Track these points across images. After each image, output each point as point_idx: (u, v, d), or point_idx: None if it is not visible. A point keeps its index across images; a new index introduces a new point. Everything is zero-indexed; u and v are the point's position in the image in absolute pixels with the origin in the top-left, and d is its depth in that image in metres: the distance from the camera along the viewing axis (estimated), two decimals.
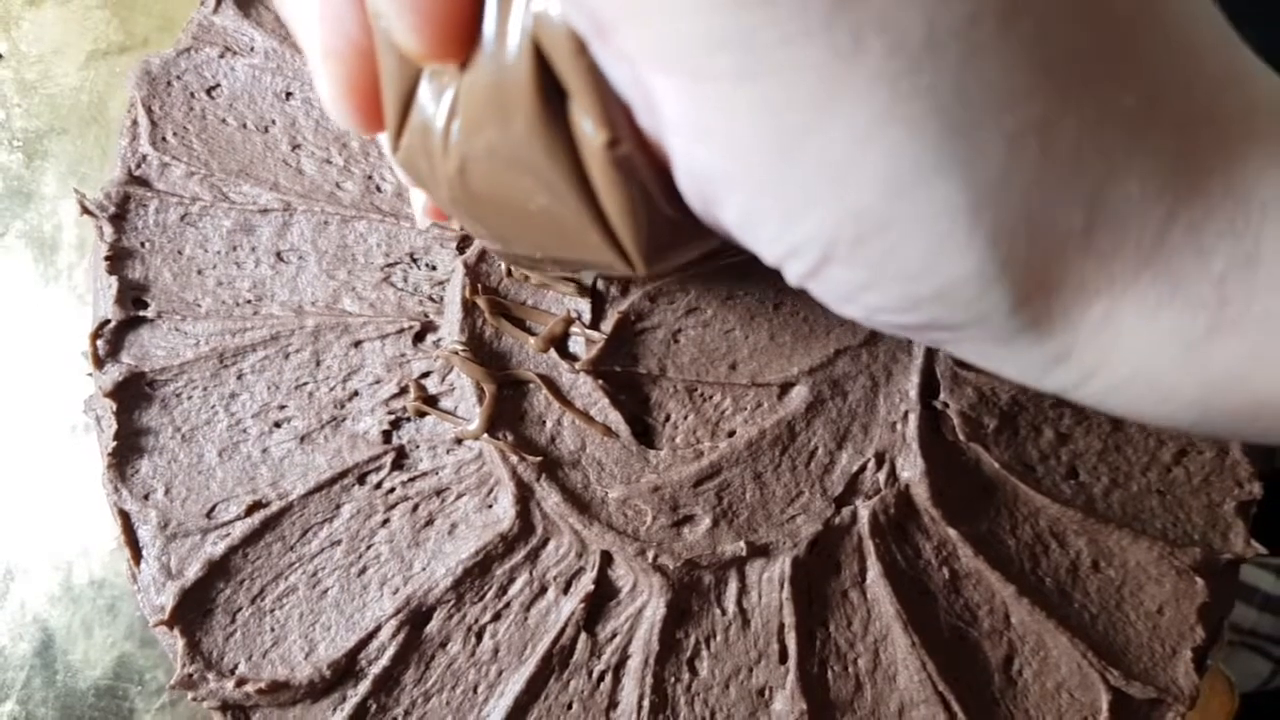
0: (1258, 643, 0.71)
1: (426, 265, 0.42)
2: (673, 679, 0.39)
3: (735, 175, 0.21)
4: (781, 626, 0.39)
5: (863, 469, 0.40)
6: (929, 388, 0.41)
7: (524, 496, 0.39)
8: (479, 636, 0.39)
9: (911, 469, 0.40)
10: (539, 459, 0.39)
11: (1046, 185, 0.19)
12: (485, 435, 0.39)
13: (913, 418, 0.40)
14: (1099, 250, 0.20)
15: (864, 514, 0.39)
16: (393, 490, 0.40)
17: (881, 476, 0.40)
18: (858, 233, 0.20)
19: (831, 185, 0.20)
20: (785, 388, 0.40)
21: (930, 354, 0.41)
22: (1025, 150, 0.19)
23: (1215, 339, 0.20)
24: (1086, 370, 0.22)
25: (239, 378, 0.41)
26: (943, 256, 0.20)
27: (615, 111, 0.21)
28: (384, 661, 0.38)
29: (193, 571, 0.39)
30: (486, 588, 0.39)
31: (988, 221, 0.19)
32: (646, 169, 0.22)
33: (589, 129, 0.21)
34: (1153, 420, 0.23)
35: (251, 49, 0.44)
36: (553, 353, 0.40)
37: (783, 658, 0.39)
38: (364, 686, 0.38)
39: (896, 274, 0.21)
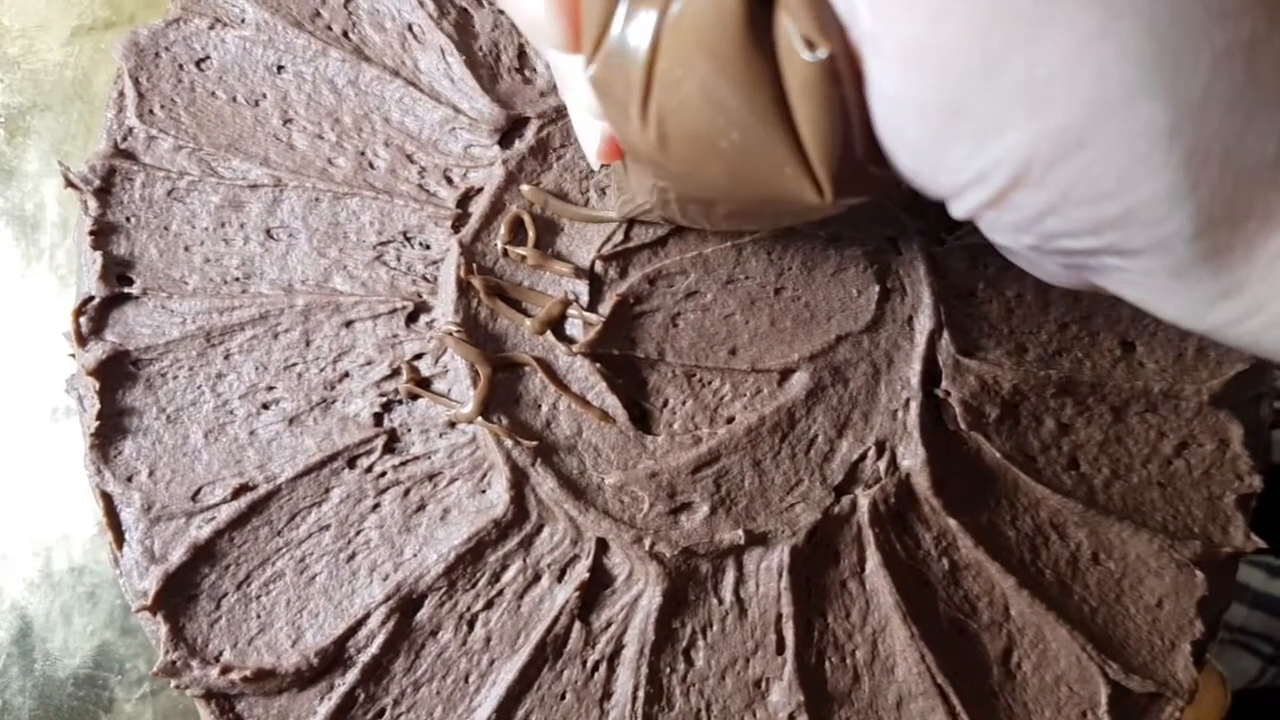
0: (1248, 640, 0.71)
1: (420, 244, 0.41)
2: (668, 669, 0.38)
3: (934, 94, 0.21)
4: (779, 616, 0.38)
5: (863, 457, 0.40)
6: (931, 375, 0.40)
7: (518, 482, 0.38)
8: (471, 625, 0.38)
9: (912, 458, 0.39)
10: (534, 443, 0.38)
11: (1246, 108, 0.19)
12: (479, 419, 0.38)
13: (914, 406, 0.40)
14: None
15: (864, 503, 0.39)
16: (384, 474, 0.39)
17: (882, 465, 0.40)
18: (1055, 153, 0.21)
19: (1033, 105, 0.20)
20: (785, 374, 0.40)
21: (932, 341, 0.40)
22: (1230, 70, 0.19)
23: None
24: (1255, 303, 0.22)
25: (226, 358, 0.40)
26: (1136, 175, 0.20)
27: (828, 23, 0.22)
28: (373, 650, 0.37)
29: (177, 556, 0.38)
30: (479, 575, 0.38)
31: (1185, 142, 0.20)
32: (849, 87, 0.22)
33: (799, 43, 0.22)
34: None
35: (242, 21, 0.43)
36: (549, 335, 0.39)
37: (780, 648, 0.39)
38: (352, 675, 0.37)
39: (1086, 195, 0.21)
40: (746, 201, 0.28)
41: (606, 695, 0.38)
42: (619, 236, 0.40)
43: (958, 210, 0.25)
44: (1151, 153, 0.20)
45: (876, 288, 0.40)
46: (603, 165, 0.37)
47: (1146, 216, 0.21)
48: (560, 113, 0.41)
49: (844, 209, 0.27)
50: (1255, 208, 0.21)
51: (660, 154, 0.27)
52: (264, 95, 0.43)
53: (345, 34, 0.43)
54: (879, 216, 0.41)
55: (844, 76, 0.22)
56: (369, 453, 0.39)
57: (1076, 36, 0.19)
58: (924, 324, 0.40)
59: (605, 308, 0.39)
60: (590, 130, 0.33)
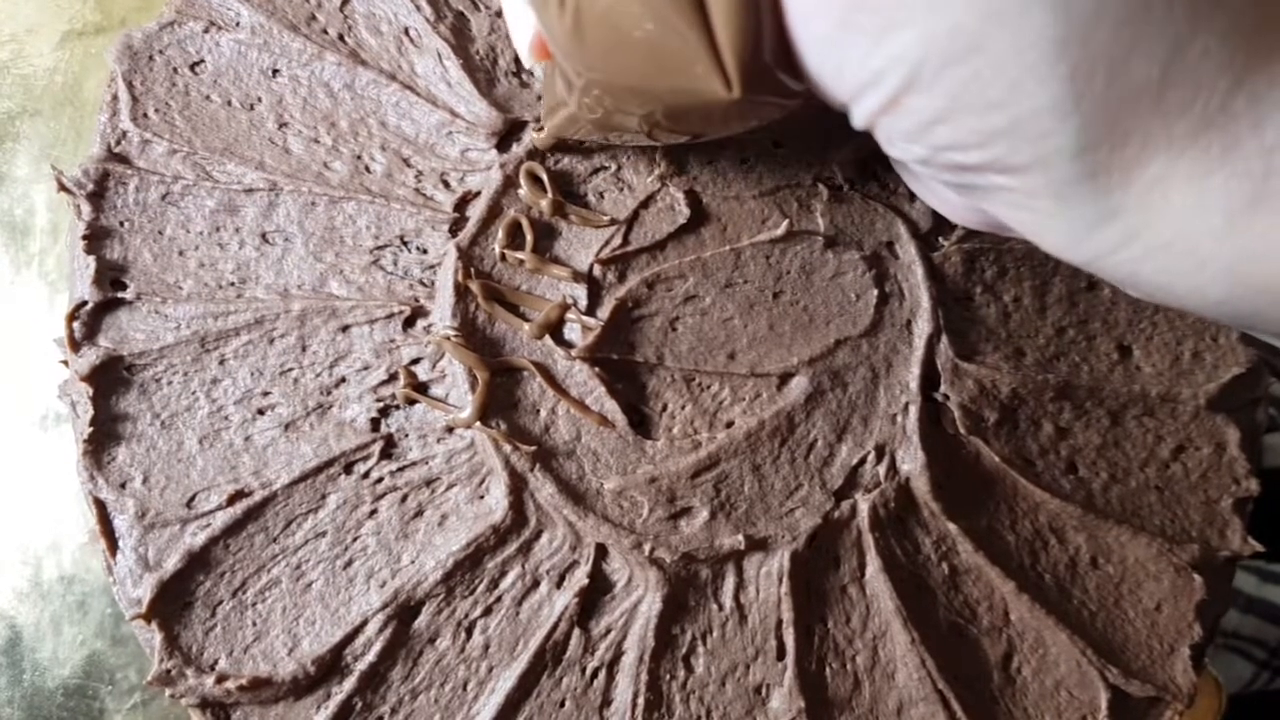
0: (1240, 645, 0.72)
1: (417, 248, 0.41)
2: (668, 676, 0.38)
3: None
4: (779, 622, 0.38)
5: (862, 461, 0.40)
6: (929, 380, 0.40)
7: (517, 487, 0.38)
8: (469, 632, 0.38)
9: (911, 462, 0.39)
10: (533, 449, 0.38)
11: (1134, 29, 0.20)
12: (477, 424, 0.38)
13: (913, 410, 0.40)
14: (1167, 107, 0.21)
15: (863, 507, 0.39)
16: (381, 480, 0.39)
17: (881, 469, 0.39)
18: (947, 54, 0.21)
19: (930, 3, 0.21)
20: (784, 378, 0.40)
21: (931, 345, 0.40)
22: None
23: (1257, 209, 0.21)
24: (1130, 231, 0.23)
25: (221, 363, 0.40)
26: (1024, 86, 0.21)
27: None
28: (370, 657, 0.37)
29: (171, 563, 0.38)
30: (477, 581, 0.38)
31: (1073, 55, 0.20)
32: None
33: None
34: (1179, 296, 0.24)
35: (237, 24, 0.43)
36: (548, 339, 0.39)
37: (780, 654, 0.38)
38: (349, 683, 0.37)
39: (975, 103, 0.22)
40: (660, 98, 0.29)
41: (606, 702, 0.38)
42: (617, 240, 0.40)
43: (858, 117, 0.26)
44: (1040, 63, 0.21)
45: (875, 292, 0.40)
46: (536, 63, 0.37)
47: (1031, 129, 0.22)
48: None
49: (758, 115, 0.29)
50: (1136, 131, 0.21)
51: (576, 43, 0.28)
52: (259, 99, 0.42)
53: (341, 37, 0.42)
54: (876, 221, 0.41)
55: None
56: (366, 458, 0.39)
57: None
58: (922, 328, 0.40)
59: (604, 312, 0.39)
60: (522, 24, 0.33)
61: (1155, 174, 0.22)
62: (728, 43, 0.25)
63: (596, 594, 0.38)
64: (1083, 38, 0.20)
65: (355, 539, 0.38)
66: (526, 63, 0.36)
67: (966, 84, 0.22)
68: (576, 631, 0.38)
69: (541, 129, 0.39)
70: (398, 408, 0.39)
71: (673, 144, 0.40)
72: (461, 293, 0.39)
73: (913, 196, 0.42)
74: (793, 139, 0.41)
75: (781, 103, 0.28)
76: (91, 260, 0.40)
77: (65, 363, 0.41)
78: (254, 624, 0.38)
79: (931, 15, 0.21)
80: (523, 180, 0.40)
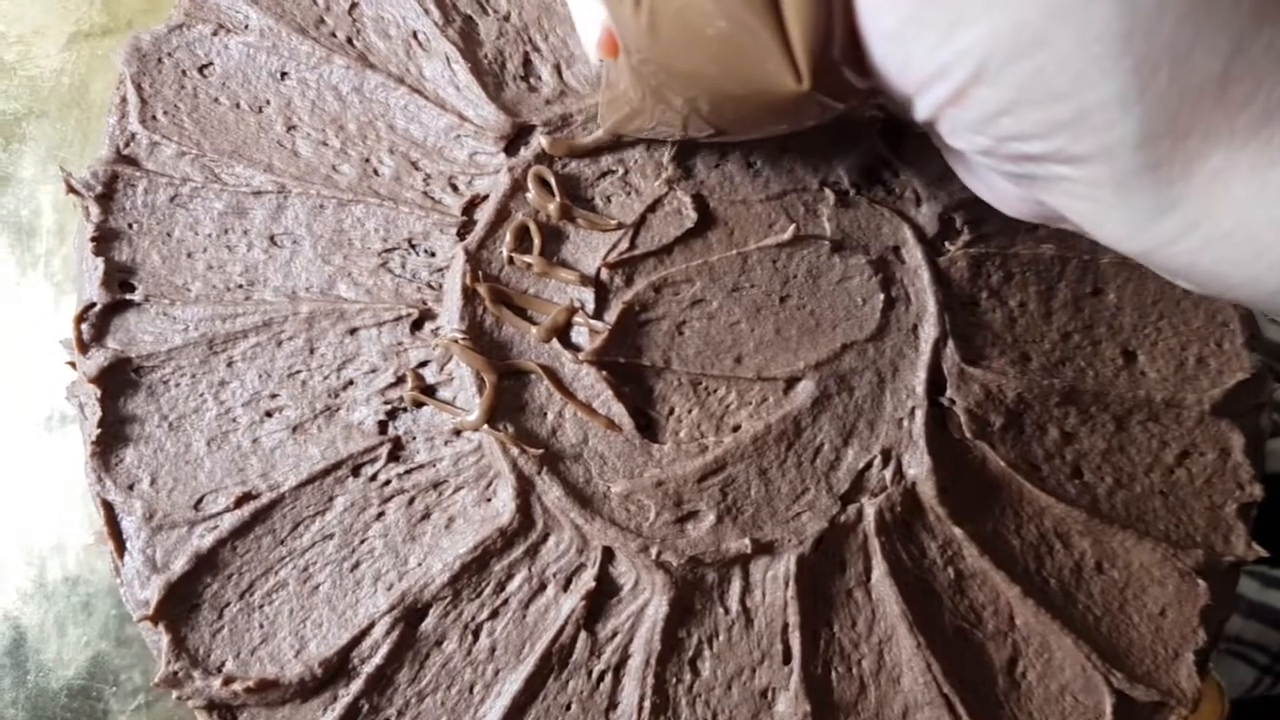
0: (1242, 650, 0.72)
1: (425, 251, 0.41)
2: (674, 679, 0.38)
3: None
4: (785, 626, 0.38)
5: (869, 466, 0.40)
6: (935, 384, 0.40)
7: (524, 490, 0.38)
8: (476, 635, 0.38)
9: (918, 466, 0.39)
10: (540, 452, 0.38)
11: (1197, 22, 0.21)
12: (485, 427, 0.38)
13: (919, 414, 0.40)
14: (1229, 100, 0.21)
15: (870, 512, 0.39)
16: (388, 483, 0.39)
17: (888, 474, 0.40)
18: (1013, 48, 0.22)
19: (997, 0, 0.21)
20: (791, 382, 0.40)
21: (937, 350, 0.40)
22: None
23: None
24: (1190, 221, 0.23)
25: (229, 365, 0.40)
26: (1088, 78, 0.22)
27: None
28: (377, 660, 0.37)
29: (179, 565, 0.38)
30: (484, 584, 0.38)
31: (1137, 49, 0.21)
32: None
33: None
34: (1234, 286, 0.24)
35: (246, 26, 0.43)
36: (555, 343, 0.39)
37: (786, 658, 0.38)
38: (356, 686, 0.37)
39: (1040, 95, 0.22)
40: (729, 94, 0.29)
41: (612, 706, 0.38)
42: (625, 244, 0.40)
43: (922, 109, 0.26)
44: (1105, 56, 0.21)
45: (881, 296, 0.40)
46: (600, 61, 0.38)
47: (1095, 120, 0.22)
48: (566, 121, 0.41)
49: (814, 114, 0.29)
50: (1198, 123, 0.22)
51: (650, 40, 0.28)
52: (268, 101, 0.43)
53: (350, 41, 0.42)
54: (882, 226, 0.41)
55: None
56: (373, 461, 0.39)
57: None
58: (929, 333, 0.40)
59: (611, 315, 0.39)
60: (590, 19, 0.34)
61: (1216, 166, 0.22)
62: (800, 37, 0.25)
63: (603, 597, 0.38)
64: (1147, 31, 0.21)
65: (362, 541, 0.39)
66: (593, 59, 0.37)
67: (1032, 77, 0.22)
68: (583, 634, 0.38)
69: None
70: (405, 410, 0.40)
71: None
72: (469, 296, 0.39)
73: (919, 201, 0.42)
74: (799, 144, 0.41)
75: (834, 105, 0.28)
76: (100, 262, 0.40)
77: (72, 364, 0.41)
78: (261, 626, 0.38)
79: (998, 10, 0.21)
80: (530, 184, 0.40)
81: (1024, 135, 0.24)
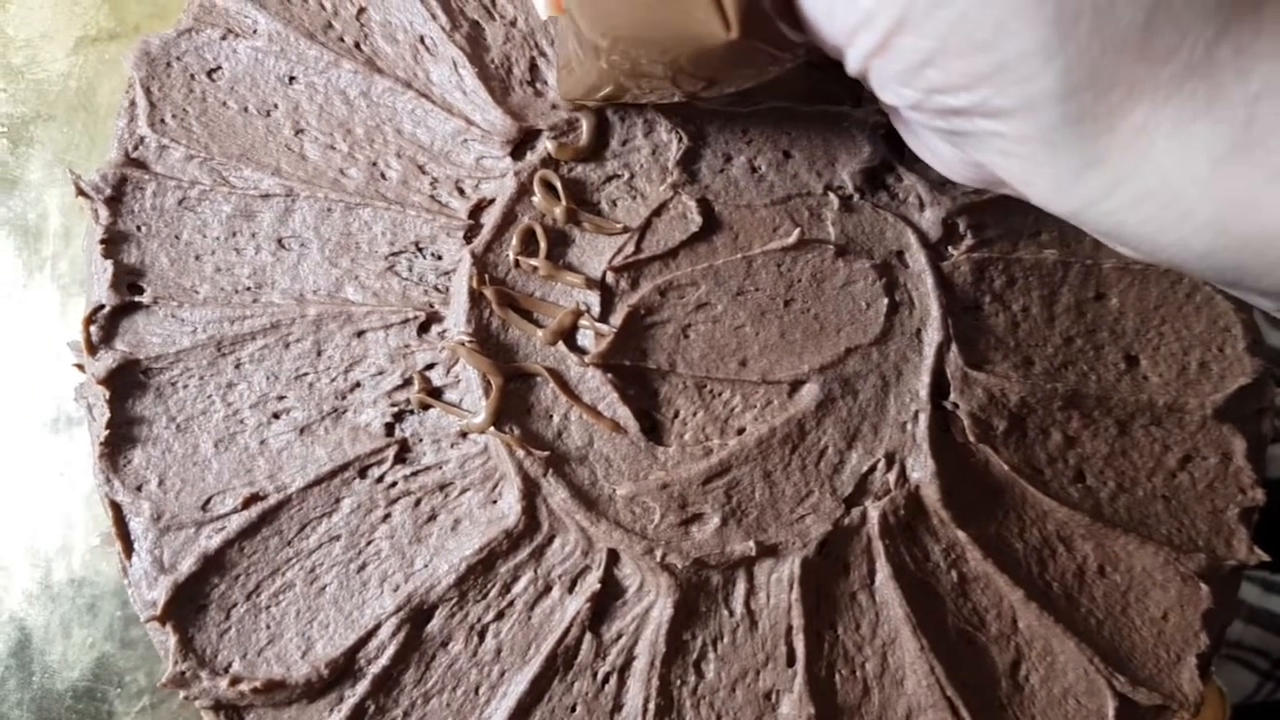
0: (1243, 655, 0.72)
1: (432, 255, 0.41)
2: (679, 681, 0.38)
3: None
4: (789, 628, 0.39)
5: (872, 469, 0.40)
6: (939, 388, 0.40)
7: (530, 492, 0.38)
8: (481, 636, 0.38)
9: (921, 470, 0.39)
10: (546, 454, 0.38)
11: None
12: (491, 429, 0.38)
13: (923, 418, 0.40)
14: (1152, 53, 0.21)
15: (873, 515, 0.39)
16: (395, 484, 0.39)
17: (891, 477, 0.40)
18: None
19: None
20: (795, 385, 0.40)
21: (941, 354, 0.40)
22: None
23: (1239, 157, 0.21)
24: (1116, 177, 0.23)
25: (237, 367, 0.40)
26: (1009, 27, 0.22)
27: None
28: (383, 661, 0.37)
29: (186, 566, 0.38)
30: (490, 586, 0.38)
31: None
32: None
33: None
34: (1164, 249, 0.24)
35: (254, 31, 0.43)
36: (561, 346, 0.39)
37: (790, 660, 0.39)
38: (362, 686, 0.37)
39: (962, 45, 0.22)
40: (663, 46, 0.29)
41: (617, 707, 0.38)
42: (630, 248, 0.40)
43: (852, 61, 0.26)
44: (1026, 4, 0.21)
45: (885, 300, 0.41)
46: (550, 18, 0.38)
47: (1018, 71, 0.22)
48: (571, 126, 0.41)
49: (756, 64, 0.29)
50: (1121, 76, 0.22)
51: None
52: (276, 105, 0.43)
53: (357, 45, 0.43)
54: (886, 230, 0.42)
55: None
56: (380, 463, 0.39)
57: None
58: (932, 337, 0.41)
59: (617, 319, 0.39)
60: None
61: (1139, 120, 0.22)
62: None
63: (608, 599, 0.39)
64: None
65: (369, 543, 0.39)
66: (543, 14, 0.37)
67: (954, 25, 0.22)
68: (588, 636, 0.38)
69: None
70: (412, 413, 0.40)
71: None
72: (476, 299, 0.39)
73: (922, 206, 0.42)
74: (803, 149, 0.42)
75: (777, 54, 0.29)
76: (109, 264, 0.40)
77: (79, 366, 0.41)
78: (268, 627, 0.38)
79: None
80: (537, 188, 0.40)
81: (949, 87, 0.24)
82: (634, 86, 0.34)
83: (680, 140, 0.41)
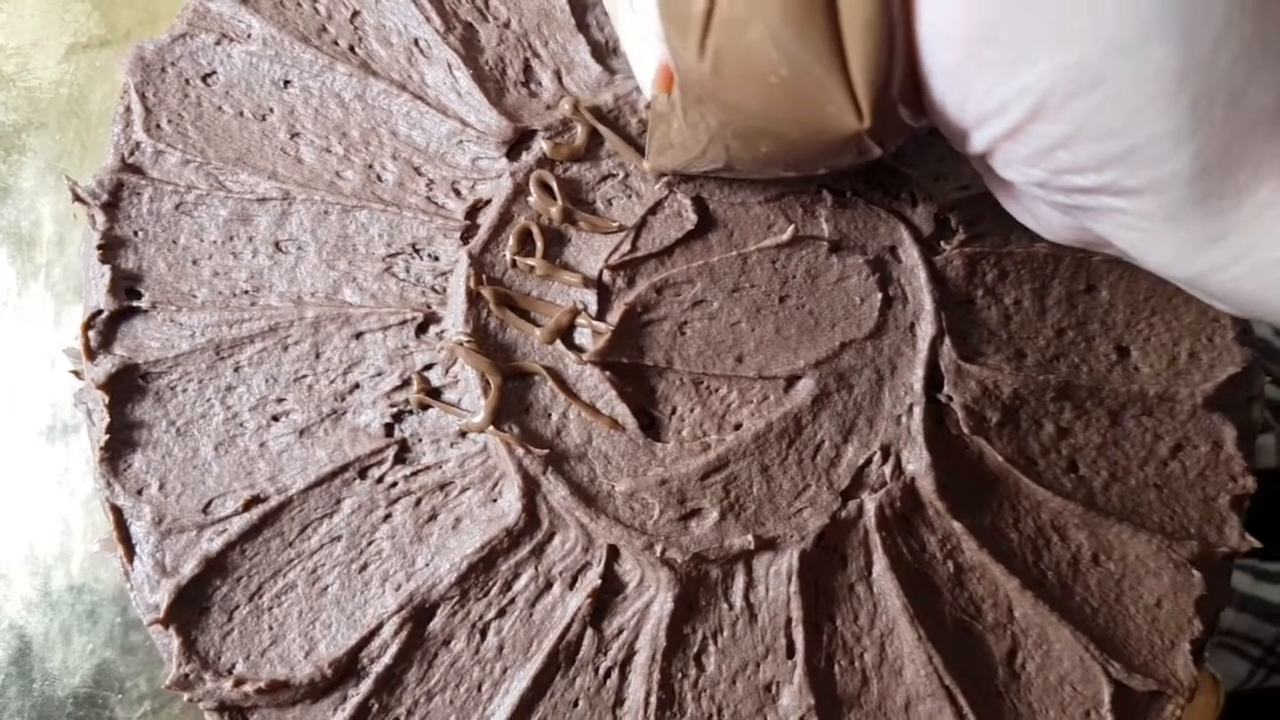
0: (1236, 643, 0.72)
1: (429, 256, 0.41)
2: (680, 675, 0.38)
3: (971, 22, 0.23)
4: (789, 621, 0.39)
5: (868, 462, 0.40)
6: (933, 381, 0.41)
7: (530, 490, 0.38)
8: (483, 633, 0.38)
9: (917, 462, 0.40)
10: (545, 452, 0.38)
11: (1252, 59, 0.21)
12: (490, 428, 0.38)
13: (917, 411, 0.40)
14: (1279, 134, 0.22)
15: (870, 507, 0.39)
16: (395, 485, 0.39)
17: (887, 470, 0.40)
18: (1073, 86, 0.22)
19: (1058, 39, 0.22)
20: (791, 380, 0.40)
21: (934, 347, 0.41)
22: (1240, 21, 0.21)
23: None
24: (1239, 251, 0.24)
25: (236, 370, 0.40)
26: (1144, 115, 0.22)
27: None
28: (386, 660, 0.37)
29: (188, 568, 0.38)
30: (491, 583, 0.38)
31: (1193, 87, 0.21)
32: (897, 18, 0.24)
33: None
34: (1275, 310, 0.25)
35: (249, 36, 0.43)
36: (558, 344, 0.40)
37: (790, 652, 0.39)
38: (365, 686, 0.37)
39: (1097, 130, 0.23)
40: (785, 135, 0.30)
41: (619, 702, 0.38)
42: (626, 246, 0.40)
43: (977, 143, 0.26)
44: (1161, 94, 0.21)
45: (879, 295, 0.41)
46: (647, 105, 0.38)
47: (1150, 155, 0.23)
48: (566, 126, 0.41)
49: (857, 157, 0.29)
50: (1249, 156, 0.22)
51: (715, 84, 0.28)
52: (271, 109, 0.43)
53: (352, 49, 0.43)
54: (879, 226, 0.42)
55: (894, 9, 0.24)
56: (380, 463, 0.39)
57: None
58: (926, 330, 0.41)
59: (614, 317, 0.40)
60: (648, 56, 0.34)
61: (1265, 198, 0.22)
62: (862, 76, 0.25)
63: (609, 595, 0.39)
64: (1203, 69, 0.21)
65: (370, 543, 0.39)
66: (648, 93, 0.37)
67: (1090, 113, 0.22)
68: (589, 632, 0.38)
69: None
70: (411, 413, 0.40)
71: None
72: (473, 299, 0.40)
73: (915, 201, 0.42)
74: None
75: (876, 149, 0.29)
76: (106, 270, 0.40)
77: (76, 373, 0.41)
78: (271, 628, 0.38)
79: (1059, 49, 0.22)
80: (532, 188, 0.41)
81: (1078, 169, 0.24)
82: (743, 167, 0.34)
83: None
